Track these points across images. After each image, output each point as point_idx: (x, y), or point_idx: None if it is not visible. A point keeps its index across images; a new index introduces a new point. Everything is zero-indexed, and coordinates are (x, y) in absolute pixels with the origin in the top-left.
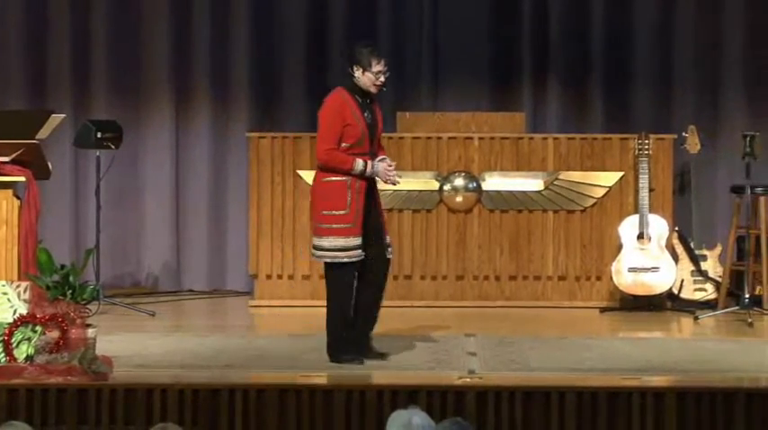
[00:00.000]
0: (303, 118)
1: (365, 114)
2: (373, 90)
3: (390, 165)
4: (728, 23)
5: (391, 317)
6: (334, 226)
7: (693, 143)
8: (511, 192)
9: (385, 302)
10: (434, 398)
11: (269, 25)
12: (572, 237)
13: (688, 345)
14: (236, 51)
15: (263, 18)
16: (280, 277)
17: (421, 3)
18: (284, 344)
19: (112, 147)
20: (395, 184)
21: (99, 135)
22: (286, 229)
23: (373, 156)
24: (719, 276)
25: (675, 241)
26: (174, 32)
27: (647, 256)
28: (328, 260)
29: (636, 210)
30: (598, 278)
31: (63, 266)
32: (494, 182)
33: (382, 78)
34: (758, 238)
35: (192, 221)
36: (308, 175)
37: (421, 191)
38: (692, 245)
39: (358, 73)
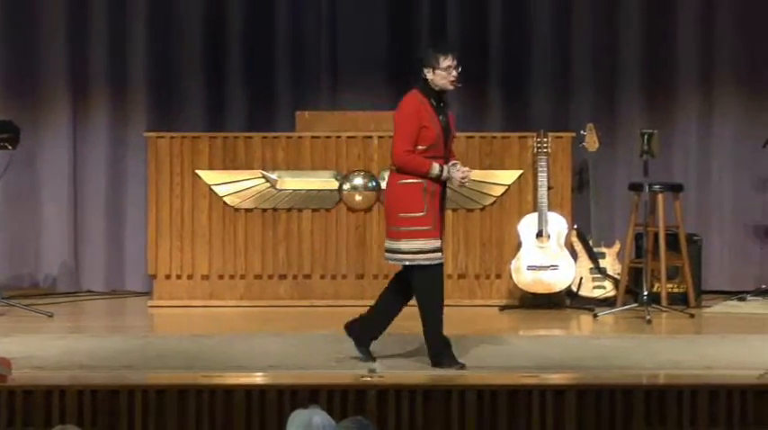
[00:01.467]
0: (201, 118)
1: (440, 117)
2: (450, 87)
3: (464, 171)
4: (625, 22)
5: (291, 316)
6: (412, 228)
7: (592, 141)
8: None
9: (284, 302)
10: (335, 398)
11: (166, 25)
12: (471, 235)
13: (587, 343)
14: (133, 51)
15: (160, 18)
16: (179, 277)
17: (319, 2)
18: (184, 345)
19: (9, 147)
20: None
21: None
22: (185, 229)
23: (447, 159)
24: (618, 274)
25: (574, 239)
26: (71, 32)
27: (546, 254)
28: (407, 263)
29: (535, 208)
30: (498, 276)
31: None
32: None
33: (454, 73)
34: (656, 236)
35: (90, 222)
36: (206, 175)
37: (320, 190)
38: (590, 242)
39: (429, 74)
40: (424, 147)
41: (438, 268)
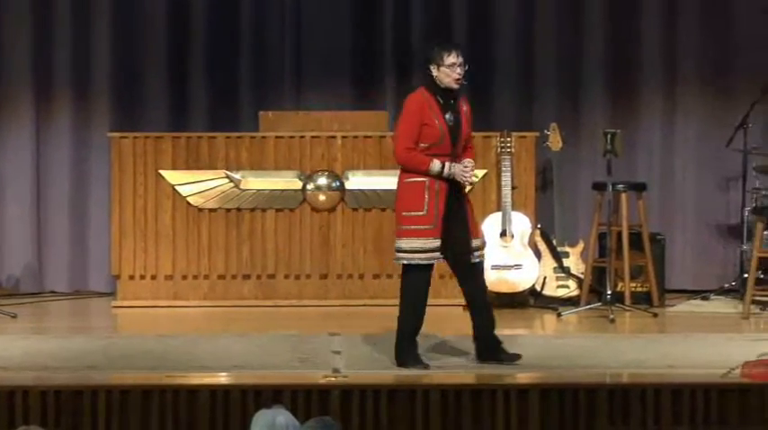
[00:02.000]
0: (164, 118)
1: (446, 115)
2: (453, 85)
3: (466, 167)
4: (589, 23)
5: (255, 316)
6: (412, 227)
7: (555, 141)
8: (374, 190)
9: (248, 302)
10: (299, 398)
11: (129, 25)
12: None
13: (551, 342)
14: (96, 52)
15: (123, 17)
16: (143, 277)
17: (282, 2)
18: (147, 345)
19: None
20: (470, 185)
21: None
22: (149, 229)
23: (456, 158)
24: (582, 273)
25: (538, 238)
26: (34, 33)
27: (509, 254)
28: (405, 262)
29: (498, 207)
30: None
31: None
32: (357, 180)
33: (458, 70)
34: (620, 235)
35: (53, 222)
36: (169, 175)
37: (284, 190)
38: (554, 242)
39: (435, 71)
40: (426, 145)
41: (430, 269)
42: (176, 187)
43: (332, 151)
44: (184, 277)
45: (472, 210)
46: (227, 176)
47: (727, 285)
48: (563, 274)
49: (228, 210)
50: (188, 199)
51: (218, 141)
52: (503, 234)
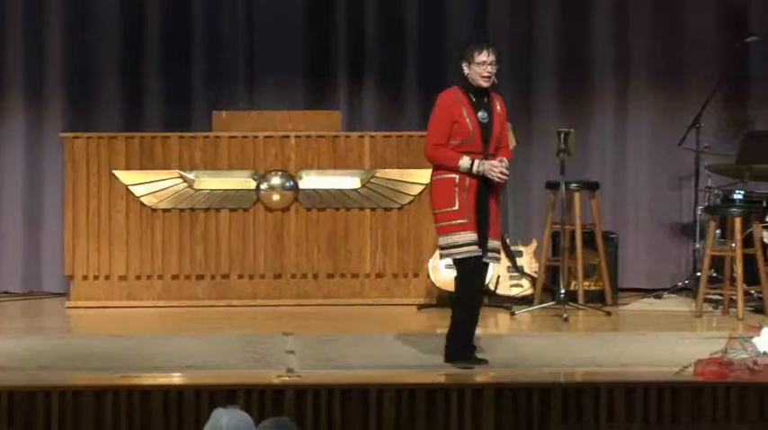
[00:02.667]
0: (118, 118)
1: (479, 113)
2: (483, 83)
3: (495, 166)
4: (541, 22)
5: (209, 316)
6: (446, 223)
7: (509, 140)
8: (328, 190)
9: (201, 302)
10: (253, 398)
11: (82, 24)
12: (389, 234)
13: (505, 341)
14: (49, 52)
15: (76, 17)
16: (96, 278)
17: (235, 2)
18: (101, 345)
19: None
20: (503, 182)
21: None
22: (102, 230)
23: (488, 156)
24: (535, 272)
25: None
26: None
27: None
28: (446, 257)
29: None
30: (415, 275)
31: None
32: (311, 180)
33: (489, 69)
34: (573, 234)
35: (7, 223)
36: (123, 175)
37: (238, 190)
38: (507, 241)
39: (466, 69)
40: (457, 143)
41: (474, 262)
42: (130, 187)
43: (285, 151)
44: (138, 277)
45: (498, 211)
46: (181, 176)
47: (680, 284)
48: (516, 273)
49: (182, 211)
50: (141, 199)
51: (171, 141)
52: None
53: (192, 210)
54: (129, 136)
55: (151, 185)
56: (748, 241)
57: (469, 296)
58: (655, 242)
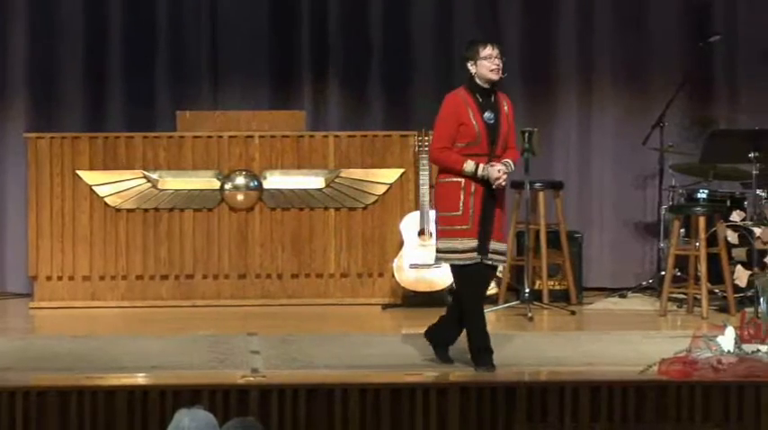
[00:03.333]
0: (81, 118)
1: (485, 114)
2: (493, 76)
3: (499, 170)
4: (505, 20)
5: (173, 317)
6: (448, 227)
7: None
8: (292, 190)
9: (166, 302)
10: (217, 398)
11: (46, 25)
12: (354, 234)
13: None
14: (12, 52)
15: (39, 17)
16: (60, 278)
17: (199, 1)
18: (65, 346)
19: None
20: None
21: None
22: (66, 230)
23: (495, 157)
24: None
25: None
26: None
27: (428, 253)
28: (443, 261)
29: (417, 206)
30: (380, 275)
31: None
32: (275, 180)
33: (496, 61)
34: (537, 233)
35: None
36: (87, 176)
37: (202, 190)
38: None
39: (473, 67)
40: (463, 145)
41: (475, 268)
42: (94, 187)
43: (250, 151)
44: (102, 278)
45: (502, 213)
46: (145, 176)
47: (644, 283)
48: None
49: (146, 211)
50: (105, 199)
51: (135, 141)
52: (421, 233)
53: (156, 210)
54: (93, 136)
55: (115, 185)
56: (712, 240)
57: (473, 302)
58: (619, 241)
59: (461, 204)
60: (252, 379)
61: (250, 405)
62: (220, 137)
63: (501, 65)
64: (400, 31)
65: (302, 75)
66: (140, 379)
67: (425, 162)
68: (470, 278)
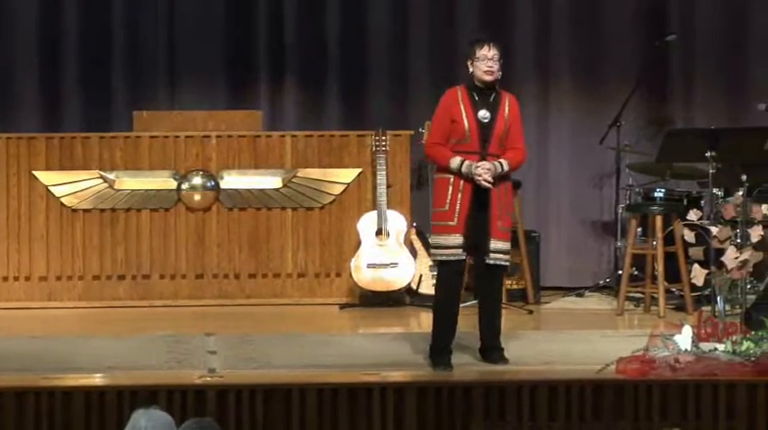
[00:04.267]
0: (37, 118)
1: (480, 113)
2: (486, 77)
3: (489, 168)
4: (461, 19)
5: (130, 317)
6: (435, 223)
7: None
8: (249, 190)
9: (123, 302)
10: (175, 398)
11: (0, 24)
12: (311, 234)
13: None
14: None
15: None
16: (16, 279)
17: (156, 1)
18: (22, 347)
19: None
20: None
21: None
22: (22, 231)
23: (488, 156)
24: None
25: (413, 237)
26: None
27: (385, 252)
28: (432, 257)
29: (374, 206)
30: (338, 275)
31: None
32: (232, 180)
33: (490, 63)
34: None
35: None
36: (43, 176)
37: (159, 190)
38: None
39: (471, 66)
40: (455, 141)
41: (456, 266)
42: (50, 188)
43: (206, 151)
44: (59, 278)
45: (502, 211)
46: (102, 177)
47: (601, 282)
48: None
49: (103, 211)
50: (62, 199)
51: (91, 141)
52: (378, 232)
53: (113, 210)
54: (49, 136)
55: (71, 186)
56: (669, 239)
57: (446, 299)
58: (576, 240)
59: (449, 200)
60: (209, 379)
61: (207, 405)
62: (177, 137)
63: (496, 66)
64: (357, 31)
65: (259, 75)
66: (97, 379)
67: (383, 162)
68: (447, 275)
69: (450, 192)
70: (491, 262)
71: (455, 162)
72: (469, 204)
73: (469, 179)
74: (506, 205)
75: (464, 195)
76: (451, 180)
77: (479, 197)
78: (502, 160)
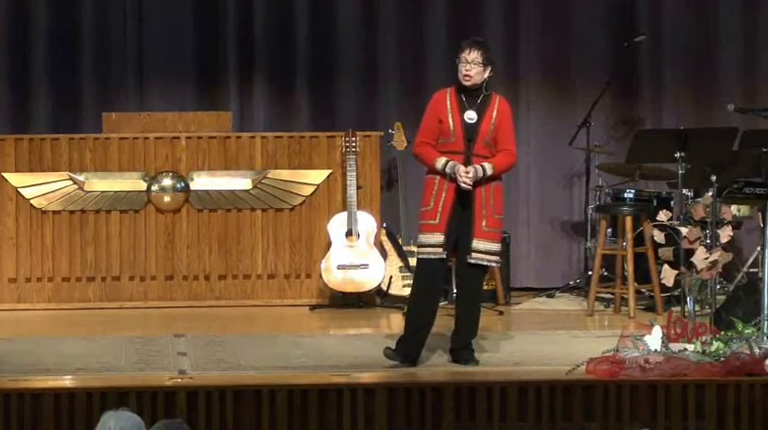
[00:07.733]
0: (6, 119)
1: (466, 113)
2: (463, 81)
3: (467, 171)
4: (431, 20)
5: (100, 319)
6: (421, 221)
7: (400, 140)
8: (219, 191)
9: (92, 304)
10: (144, 400)
11: None
12: (281, 235)
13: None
14: None
15: None
16: None
17: (124, 2)
18: None
19: None
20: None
21: None
22: None
23: (474, 156)
24: None
25: (384, 238)
26: None
27: (355, 253)
28: (416, 254)
29: (344, 207)
30: (308, 276)
31: None
32: (202, 181)
33: (467, 67)
34: None
35: None
36: (12, 178)
37: (128, 191)
38: (400, 241)
39: (457, 67)
40: (441, 141)
41: (436, 264)
42: (19, 189)
43: (176, 152)
44: (28, 280)
45: (486, 211)
46: (71, 178)
47: (571, 282)
48: (409, 274)
49: (72, 212)
50: (31, 201)
51: (61, 143)
52: (348, 234)
53: (83, 211)
54: (18, 138)
55: (41, 187)
56: (639, 240)
57: (424, 296)
58: (546, 241)
59: (432, 200)
60: (179, 380)
61: (177, 406)
62: (146, 138)
63: (474, 70)
64: (326, 33)
65: (228, 75)
66: (67, 381)
67: (353, 163)
68: (424, 273)
69: (434, 191)
70: (472, 261)
71: (440, 162)
72: (452, 204)
73: (453, 179)
74: (493, 206)
75: (447, 195)
76: (437, 179)
77: (463, 197)
78: (485, 164)
